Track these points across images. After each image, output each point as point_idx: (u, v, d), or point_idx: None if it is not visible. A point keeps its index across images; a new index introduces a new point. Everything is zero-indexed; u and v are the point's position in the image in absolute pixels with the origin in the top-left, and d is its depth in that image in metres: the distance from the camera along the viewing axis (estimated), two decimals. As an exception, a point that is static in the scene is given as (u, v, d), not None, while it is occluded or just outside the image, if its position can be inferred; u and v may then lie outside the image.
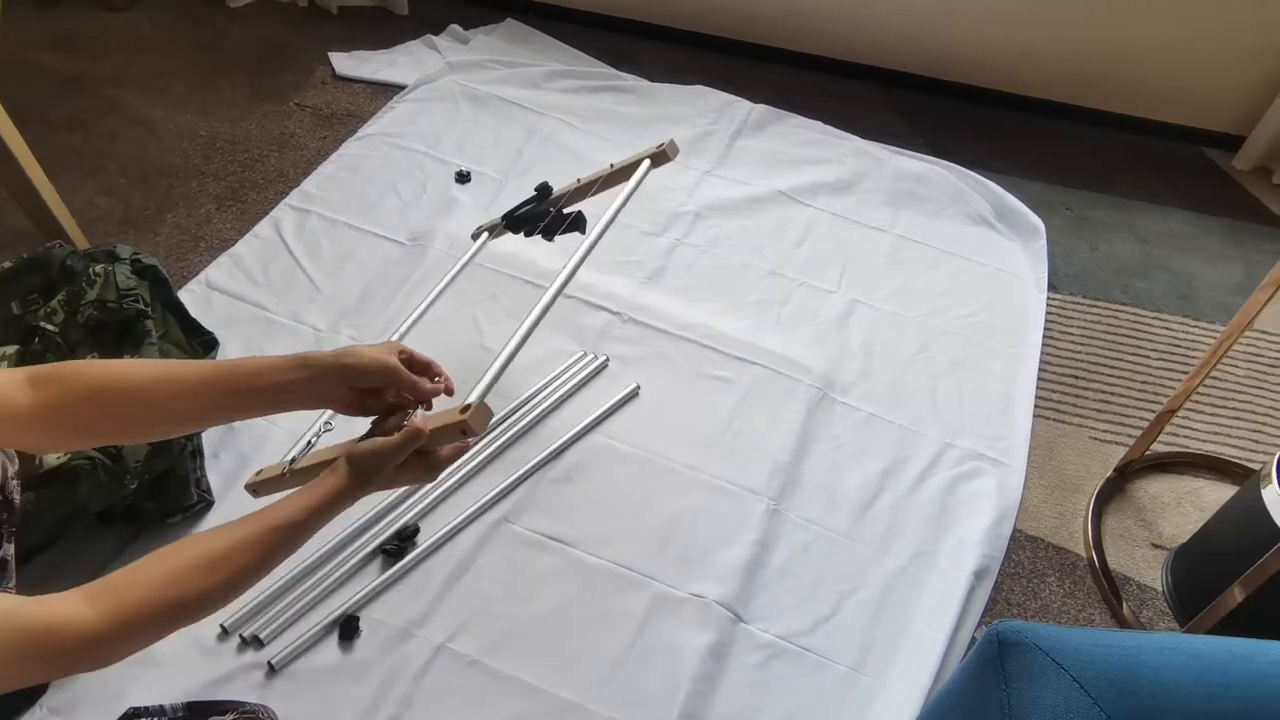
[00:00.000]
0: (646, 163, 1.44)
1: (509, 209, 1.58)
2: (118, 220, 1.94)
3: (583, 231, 1.43)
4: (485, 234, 1.64)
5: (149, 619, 0.72)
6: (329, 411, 1.16)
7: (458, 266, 1.51)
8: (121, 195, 2.00)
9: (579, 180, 1.52)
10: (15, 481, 0.92)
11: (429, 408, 0.96)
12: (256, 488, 1.03)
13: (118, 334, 1.36)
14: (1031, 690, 0.64)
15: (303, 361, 0.89)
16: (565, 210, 1.46)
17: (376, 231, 1.93)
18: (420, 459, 0.89)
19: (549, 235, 1.43)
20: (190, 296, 1.74)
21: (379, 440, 0.86)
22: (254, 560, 0.78)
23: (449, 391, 0.97)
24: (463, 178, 2.06)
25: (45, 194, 1.74)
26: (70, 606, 0.69)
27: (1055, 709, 0.64)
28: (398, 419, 0.91)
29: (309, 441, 1.06)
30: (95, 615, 0.69)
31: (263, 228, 1.93)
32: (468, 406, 0.86)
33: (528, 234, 1.50)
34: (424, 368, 0.96)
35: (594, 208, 1.40)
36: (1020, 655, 0.67)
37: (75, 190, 1.97)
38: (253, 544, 0.78)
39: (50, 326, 1.36)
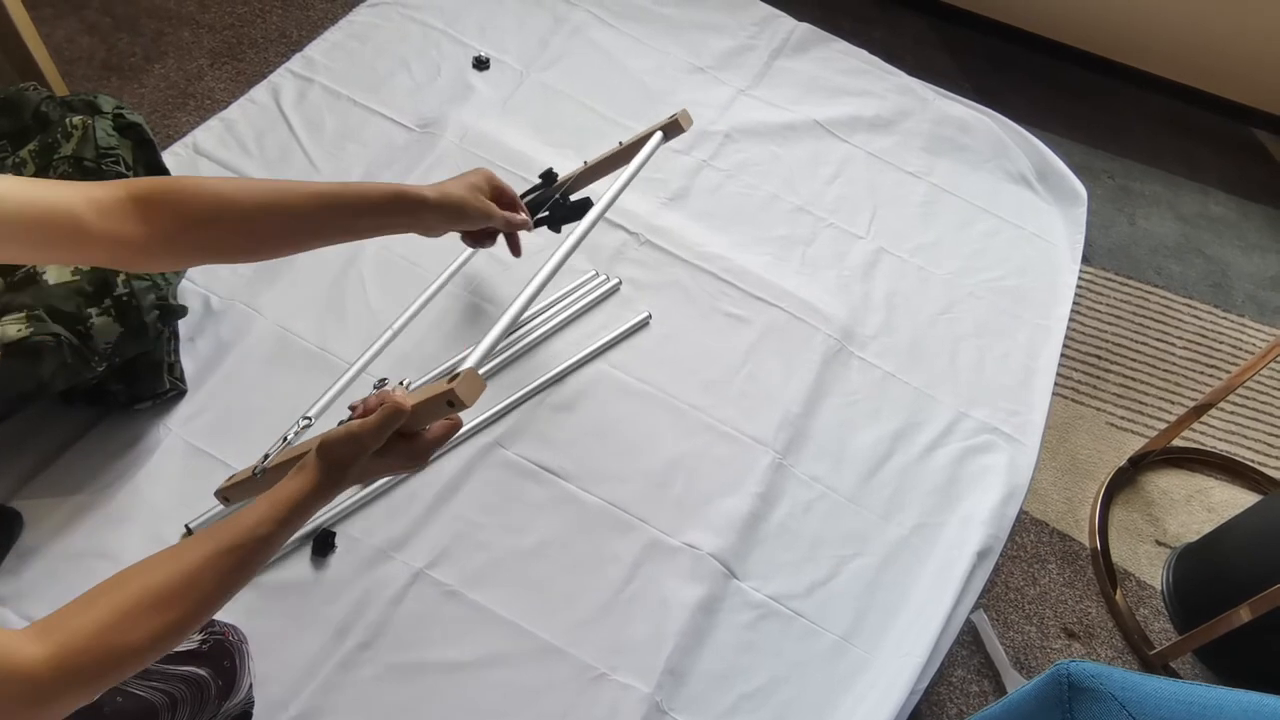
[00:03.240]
0: (659, 135, 1.29)
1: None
2: (99, 64, 1.76)
3: None
4: None
5: (96, 665, 0.62)
6: (314, 409, 1.10)
7: (450, 271, 1.43)
8: (105, 35, 1.82)
9: (585, 163, 1.38)
10: None
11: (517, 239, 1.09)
12: (227, 494, 0.91)
13: (94, 197, 1.22)
14: (1103, 745, 0.58)
15: (397, 200, 0.95)
16: (572, 198, 1.32)
17: (383, 112, 1.78)
18: (403, 442, 0.79)
19: (554, 226, 1.30)
20: (174, 160, 1.60)
21: (353, 423, 0.75)
22: (209, 592, 0.67)
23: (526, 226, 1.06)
24: (481, 64, 1.89)
25: (20, 24, 1.56)
26: (20, 643, 0.59)
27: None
28: (376, 398, 0.80)
29: (284, 438, 0.94)
30: (43, 657, 0.59)
31: (259, 92, 1.76)
32: (455, 375, 0.75)
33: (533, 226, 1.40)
34: (510, 203, 1.00)
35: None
36: (1093, 703, 0.60)
37: (54, 24, 1.79)
38: (205, 573, 0.66)
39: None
